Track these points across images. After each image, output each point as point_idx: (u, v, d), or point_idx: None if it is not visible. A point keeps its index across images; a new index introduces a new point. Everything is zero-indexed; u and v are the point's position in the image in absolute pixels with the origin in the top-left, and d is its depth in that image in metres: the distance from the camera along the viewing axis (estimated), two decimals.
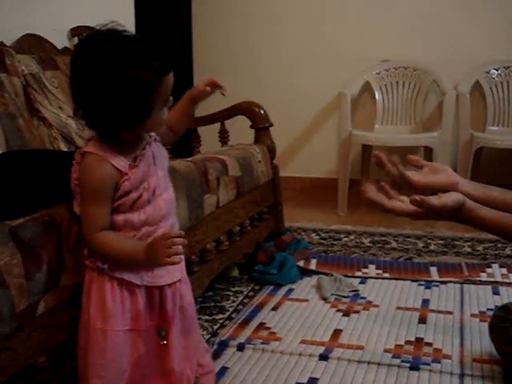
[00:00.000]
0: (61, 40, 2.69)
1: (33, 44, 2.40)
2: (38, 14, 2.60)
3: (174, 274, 1.35)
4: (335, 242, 2.93)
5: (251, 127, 2.62)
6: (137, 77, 1.15)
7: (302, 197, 3.95)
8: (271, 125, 2.63)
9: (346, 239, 2.98)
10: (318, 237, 3.03)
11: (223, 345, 1.83)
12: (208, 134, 2.87)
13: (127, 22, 3.29)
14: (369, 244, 2.89)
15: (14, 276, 1.14)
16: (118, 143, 1.23)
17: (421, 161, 1.61)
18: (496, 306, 1.82)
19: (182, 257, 1.39)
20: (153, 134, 1.34)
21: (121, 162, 1.23)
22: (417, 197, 1.37)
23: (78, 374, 1.29)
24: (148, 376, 1.33)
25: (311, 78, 4.00)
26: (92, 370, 1.25)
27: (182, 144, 2.68)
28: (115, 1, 3.24)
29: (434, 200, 1.40)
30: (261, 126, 2.59)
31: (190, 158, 2.08)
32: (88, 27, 2.76)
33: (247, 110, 2.61)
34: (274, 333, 1.93)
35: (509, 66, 3.58)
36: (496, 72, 3.60)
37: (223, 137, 2.70)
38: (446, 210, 1.41)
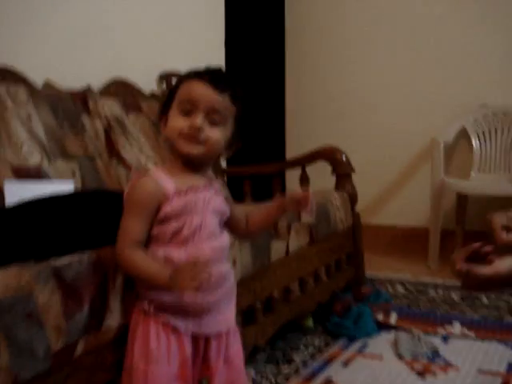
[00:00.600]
0: (148, 84, 2.76)
1: (119, 88, 2.47)
2: (127, 59, 2.68)
3: (221, 325, 1.31)
4: (421, 296, 2.77)
5: (332, 173, 2.55)
6: (185, 75, 1.28)
7: (391, 246, 3.80)
8: (353, 171, 2.54)
9: (433, 293, 2.81)
10: (403, 289, 2.88)
11: None
12: (290, 179, 2.83)
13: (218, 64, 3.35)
14: (457, 300, 2.71)
15: (52, 315, 1.13)
16: (176, 168, 1.25)
17: None
18: None
19: (234, 309, 1.35)
20: (217, 186, 1.33)
21: (169, 185, 1.23)
22: (463, 266, 1.25)
23: None
24: None
25: (404, 122, 3.88)
26: None
27: (262, 191, 2.67)
28: (205, 46, 3.30)
29: (484, 269, 1.26)
30: (342, 172, 2.52)
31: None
32: (175, 73, 2.84)
33: (328, 155, 2.55)
34: None
35: None
36: None
37: (304, 182, 2.65)
38: (499, 278, 1.25)
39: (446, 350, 2.11)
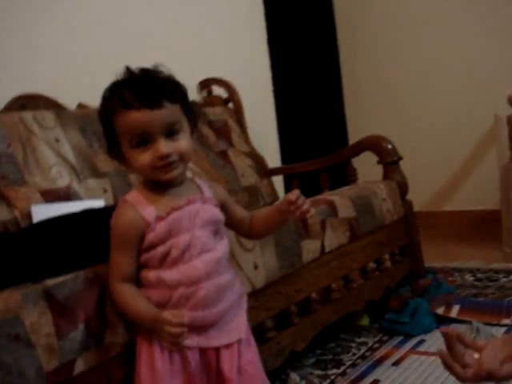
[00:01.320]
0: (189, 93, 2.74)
1: None
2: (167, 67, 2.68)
3: (230, 335, 1.26)
4: (490, 284, 2.59)
5: (378, 162, 2.44)
6: (105, 99, 1.18)
7: (462, 232, 3.59)
8: (400, 158, 2.41)
9: (504, 279, 2.62)
10: (472, 278, 2.71)
11: None
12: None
13: (263, 71, 3.31)
14: None
15: (42, 335, 1.12)
16: (155, 190, 1.20)
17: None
18: None
19: (244, 317, 1.30)
20: (207, 192, 1.27)
21: (150, 212, 1.18)
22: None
23: None
24: None
25: (465, 102, 3.68)
26: None
27: (315, 187, 2.60)
28: (249, 50, 3.26)
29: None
30: (388, 160, 2.40)
31: None
32: (216, 79, 2.82)
33: (373, 144, 2.44)
34: None
35: None
36: None
37: (351, 175, 2.55)
38: None
39: None
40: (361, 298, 2.09)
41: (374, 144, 2.44)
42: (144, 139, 1.14)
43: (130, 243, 1.18)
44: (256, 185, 2.56)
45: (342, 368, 1.91)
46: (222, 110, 2.76)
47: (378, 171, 2.46)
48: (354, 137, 4.08)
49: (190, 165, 2.35)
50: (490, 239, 3.28)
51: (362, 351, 2.02)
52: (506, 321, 2.13)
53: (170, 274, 1.18)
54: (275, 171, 2.78)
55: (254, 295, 1.61)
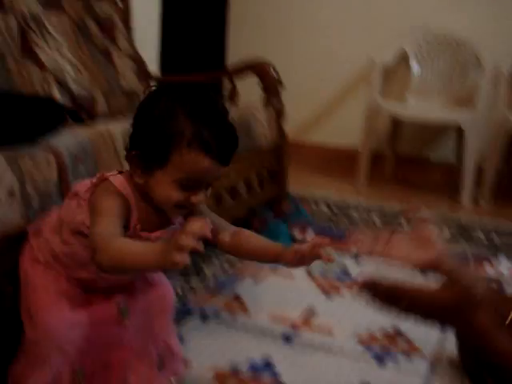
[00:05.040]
0: None
1: None
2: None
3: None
4: (343, 217, 2.78)
5: (261, 87, 2.47)
6: (173, 115, 1.05)
7: (322, 166, 3.79)
8: (282, 86, 2.46)
9: (355, 214, 2.83)
10: (327, 209, 2.89)
11: (187, 313, 1.73)
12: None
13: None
14: (378, 223, 2.73)
15: None
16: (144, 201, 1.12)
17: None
18: None
19: None
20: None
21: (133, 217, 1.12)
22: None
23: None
24: (107, 351, 1.24)
25: (345, 43, 3.78)
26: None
27: None
28: None
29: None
30: (270, 86, 2.44)
31: None
32: None
33: (257, 68, 2.46)
34: (244, 306, 1.82)
35: None
36: None
37: (232, 94, 2.56)
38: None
39: (355, 269, 2.13)
40: (230, 215, 2.15)
41: (259, 68, 2.47)
42: (193, 184, 1.07)
43: (119, 214, 1.08)
44: (136, 90, 2.49)
45: (203, 278, 1.99)
46: (110, 6, 2.62)
47: (258, 94, 2.50)
48: (232, 58, 4.07)
49: (70, 56, 2.26)
50: (346, 175, 3.49)
51: (224, 265, 2.11)
52: (355, 249, 2.31)
53: None
54: (156, 79, 2.71)
55: None
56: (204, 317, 1.72)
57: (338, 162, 3.78)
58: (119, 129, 1.55)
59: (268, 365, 1.51)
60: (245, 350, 1.56)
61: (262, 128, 2.32)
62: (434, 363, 1.56)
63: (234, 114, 2.10)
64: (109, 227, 1.03)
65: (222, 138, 1.07)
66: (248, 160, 2.25)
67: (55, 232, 1.19)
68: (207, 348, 1.56)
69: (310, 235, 2.40)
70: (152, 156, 1.06)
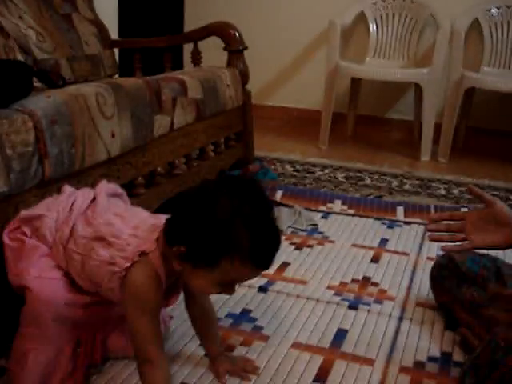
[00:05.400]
0: None
1: None
2: None
3: None
4: (308, 175, 2.84)
5: (224, 49, 2.50)
6: (235, 225, 1.02)
7: (285, 127, 3.84)
8: (245, 48, 2.50)
9: (320, 173, 2.89)
10: (292, 168, 2.94)
11: None
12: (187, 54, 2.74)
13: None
14: (342, 179, 2.81)
15: None
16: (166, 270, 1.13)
17: (484, 195, 1.43)
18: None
19: None
20: None
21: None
22: None
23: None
24: (98, 324, 1.28)
25: (303, 4, 3.82)
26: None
27: (155, 65, 2.59)
28: None
29: None
30: (233, 48, 2.47)
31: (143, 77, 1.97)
32: None
33: (220, 30, 2.48)
34: None
35: (511, 6, 3.38)
36: (497, 11, 3.40)
37: (195, 58, 2.58)
38: None
39: (324, 226, 2.20)
40: (199, 176, 2.19)
41: (222, 30, 2.49)
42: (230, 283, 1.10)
43: (159, 307, 1.15)
44: (99, 55, 2.49)
45: None
46: None
47: (219, 58, 2.52)
48: (190, 22, 4.05)
49: (33, 23, 2.23)
50: (308, 137, 3.55)
51: None
52: (322, 207, 2.39)
53: None
54: (118, 43, 2.70)
55: (108, 163, 1.64)
56: None
57: (301, 124, 3.84)
58: (92, 91, 1.56)
59: (244, 312, 1.57)
60: (219, 302, 1.61)
61: (228, 90, 2.35)
62: (404, 306, 1.65)
63: (200, 76, 2.15)
64: (157, 333, 1.13)
65: (273, 252, 1.08)
66: (216, 122, 2.28)
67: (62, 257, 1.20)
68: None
69: (278, 195, 2.46)
70: (201, 256, 1.05)
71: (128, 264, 1.10)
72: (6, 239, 1.21)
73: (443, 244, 1.44)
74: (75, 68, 2.32)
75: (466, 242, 1.40)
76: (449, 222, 1.46)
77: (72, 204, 1.23)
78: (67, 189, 1.31)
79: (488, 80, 3.16)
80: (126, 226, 1.16)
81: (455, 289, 1.49)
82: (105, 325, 1.29)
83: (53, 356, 1.19)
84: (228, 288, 1.11)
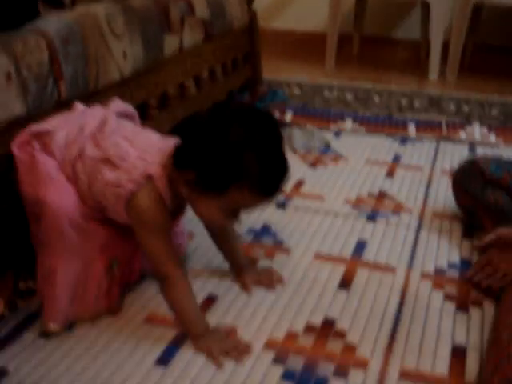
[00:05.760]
0: None
1: None
2: None
3: None
4: (317, 96, 2.81)
5: None
6: (246, 155, 1.02)
7: (291, 50, 3.77)
8: None
9: (328, 93, 2.86)
10: (299, 90, 2.91)
11: None
12: None
13: None
14: (351, 99, 2.78)
15: None
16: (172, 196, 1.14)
17: (488, 241, 1.38)
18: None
19: None
20: None
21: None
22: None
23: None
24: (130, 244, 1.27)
25: None
26: None
27: None
28: None
29: None
30: None
31: None
32: None
33: None
34: None
35: None
36: None
37: None
38: None
39: (337, 144, 2.20)
40: (210, 98, 2.17)
41: None
42: (239, 210, 1.11)
43: (168, 228, 1.17)
44: None
45: None
46: None
47: None
48: None
49: None
50: (313, 59, 3.50)
51: None
52: (334, 126, 2.38)
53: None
54: None
55: (121, 84, 1.63)
56: None
57: (305, 46, 3.77)
58: (102, 11, 1.53)
59: (265, 228, 1.60)
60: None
61: (235, 10, 2.30)
62: (422, 217, 1.66)
63: None
64: (169, 250, 1.14)
65: (282, 181, 1.08)
66: (223, 42, 2.25)
67: (71, 176, 1.19)
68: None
69: (289, 116, 2.45)
70: (210, 182, 1.05)
71: (134, 187, 1.10)
72: (16, 151, 1.20)
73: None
74: None
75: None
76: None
77: (83, 124, 1.22)
78: (78, 106, 1.30)
79: None
80: (134, 148, 1.15)
81: (480, 192, 1.49)
82: (137, 246, 1.28)
83: (82, 272, 1.20)
84: (233, 216, 1.12)
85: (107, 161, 1.15)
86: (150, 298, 1.31)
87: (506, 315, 1.12)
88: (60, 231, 1.15)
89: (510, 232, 1.33)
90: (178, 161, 1.08)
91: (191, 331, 1.17)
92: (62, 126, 1.21)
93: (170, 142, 1.12)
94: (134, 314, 1.27)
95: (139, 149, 1.15)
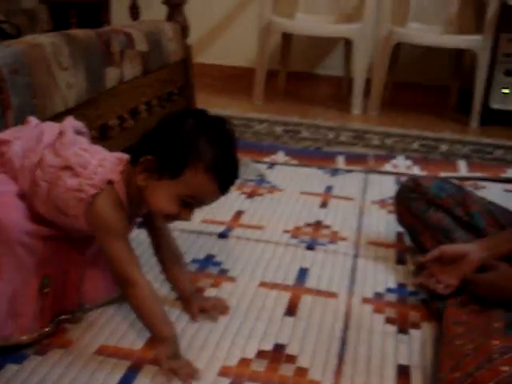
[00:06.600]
0: None
1: None
2: None
3: None
4: (247, 130, 2.89)
5: (163, 3, 2.48)
6: (196, 140, 1.10)
7: (219, 84, 3.85)
8: (184, 1, 2.49)
9: (258, 127, 2.95)
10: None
11: None
12: (119, 10, 2.71)
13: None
14: (281, 133, 2.88)
15: None
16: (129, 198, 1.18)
17: (431, 258, 1.45)
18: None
19: None
20: None
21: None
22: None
23: None
24: (68, 260, 1.27)
25: None
26: None
27: (91, 19, 2.55)
28: None
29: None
30: (173, 1, 2.46)
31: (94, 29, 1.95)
32: None
33: None
34: None
35: None
36: None
37: (133, 12, 2.56)
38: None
39: (271, 176, 2.27)
40: (143, 128, 2.18)
41: None
42: (190, 203, 1.15)
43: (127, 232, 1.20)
44: (35, 9, 2.42)
45: None
46: None
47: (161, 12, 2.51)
48: None
49: None
50: (241, 93, 3.59)
51: None
52: (267, 159, 2.45)
53: None
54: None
55: (65, 115, 1.62)
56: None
57: (232, 81, 3.86)
58: (48, 41, 1.55)
59: (209, 257, 1.63)
60: (183, 249, 1.65)
61: (171, 44, 2.35)
62: (357, 245, 1.74)
63: (144, 29, 2.14)
64: (130, 255, 1.17)
65: (233, 174, 1.15)
66: (160, 76, 2.29)
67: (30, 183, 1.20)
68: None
69: None
70: (168, 165, 1.11)
71: (95, 191, 1.14)
72: None
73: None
74: (12, 22, 2.26)
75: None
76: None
77: (40, 135, 1.24)
78: (32, 120, 1.32)
79: (414, 35, 3.29)
80: (93, 157, 1.20)
81: (423, 212, 1.57)
82: (76, 266, 1.28)
83: (19, 289, 1.18)
84: (187, 209, 1.16)
85: (68, 168, 1.18)
86: (99, 330, 1.30)
87: (452, 328, 1.20)
88: (7, 245, 1.14)
89: (452, 249, 1.42)
90: (135, 155, 1.15)
91: (158, 334, 1.18)
92: (17, 137, 1.24)
93: (126, 155, 1.21)
94: (84, 346, 1.25)
95: (98, 158, 1.20)
